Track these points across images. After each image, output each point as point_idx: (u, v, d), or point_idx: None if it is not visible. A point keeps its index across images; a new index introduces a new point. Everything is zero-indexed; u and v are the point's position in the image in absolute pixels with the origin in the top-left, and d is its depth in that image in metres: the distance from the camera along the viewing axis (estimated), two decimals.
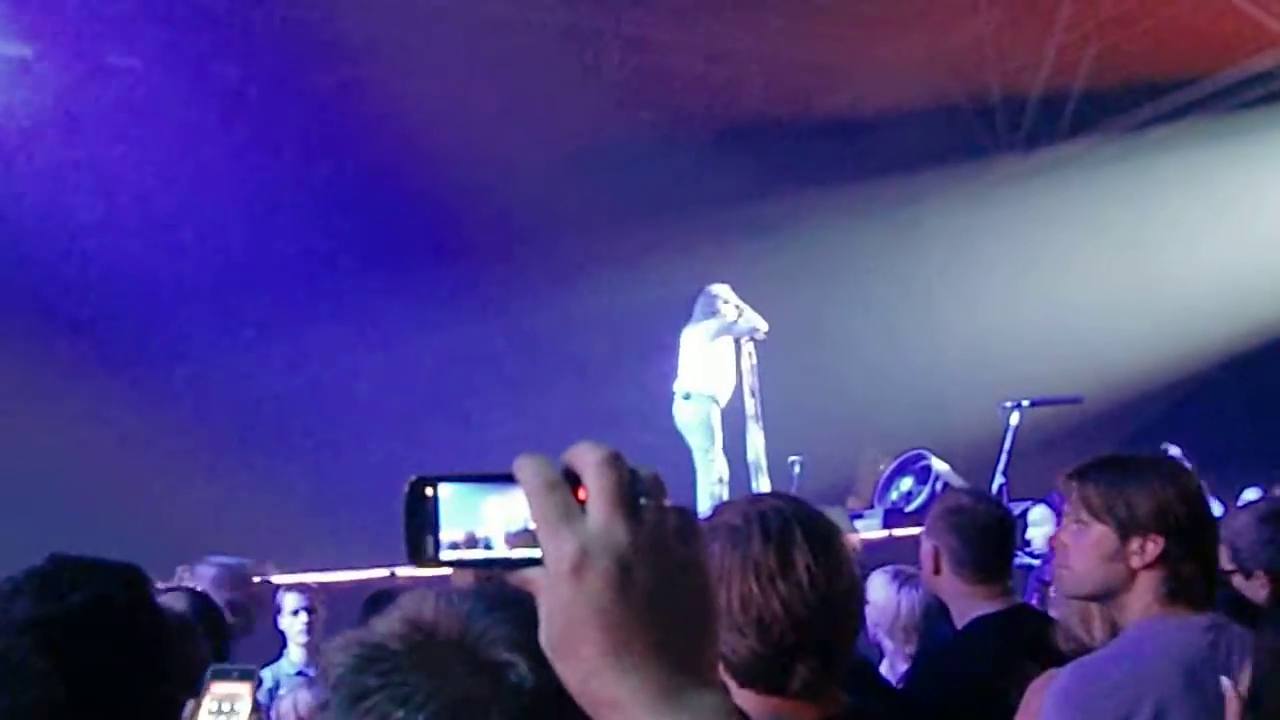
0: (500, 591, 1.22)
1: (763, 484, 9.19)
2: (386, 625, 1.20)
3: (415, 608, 1.21)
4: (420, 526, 0.99)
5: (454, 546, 0.98)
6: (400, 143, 10.46)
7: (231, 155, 10.41)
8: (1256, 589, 3.55)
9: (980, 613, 3.73)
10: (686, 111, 11.63)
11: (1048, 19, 11.94)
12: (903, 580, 4.39)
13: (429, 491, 0.99)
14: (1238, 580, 3.58)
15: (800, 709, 1.97)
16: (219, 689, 1.74)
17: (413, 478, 0.99)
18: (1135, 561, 2.65)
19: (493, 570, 0.99)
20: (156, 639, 1.68)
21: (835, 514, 7.06)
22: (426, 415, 10.24)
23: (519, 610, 1.16)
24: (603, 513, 0.92)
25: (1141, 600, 2.66)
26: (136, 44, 10.24)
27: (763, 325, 9.17)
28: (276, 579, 5.83)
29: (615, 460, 0.94)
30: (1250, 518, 3.67)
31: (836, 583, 1.95)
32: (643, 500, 0.94)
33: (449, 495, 0.99)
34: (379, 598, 3.96)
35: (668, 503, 0.96)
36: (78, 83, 10.09)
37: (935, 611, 4.17)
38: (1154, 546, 2.62)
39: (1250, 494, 7.05)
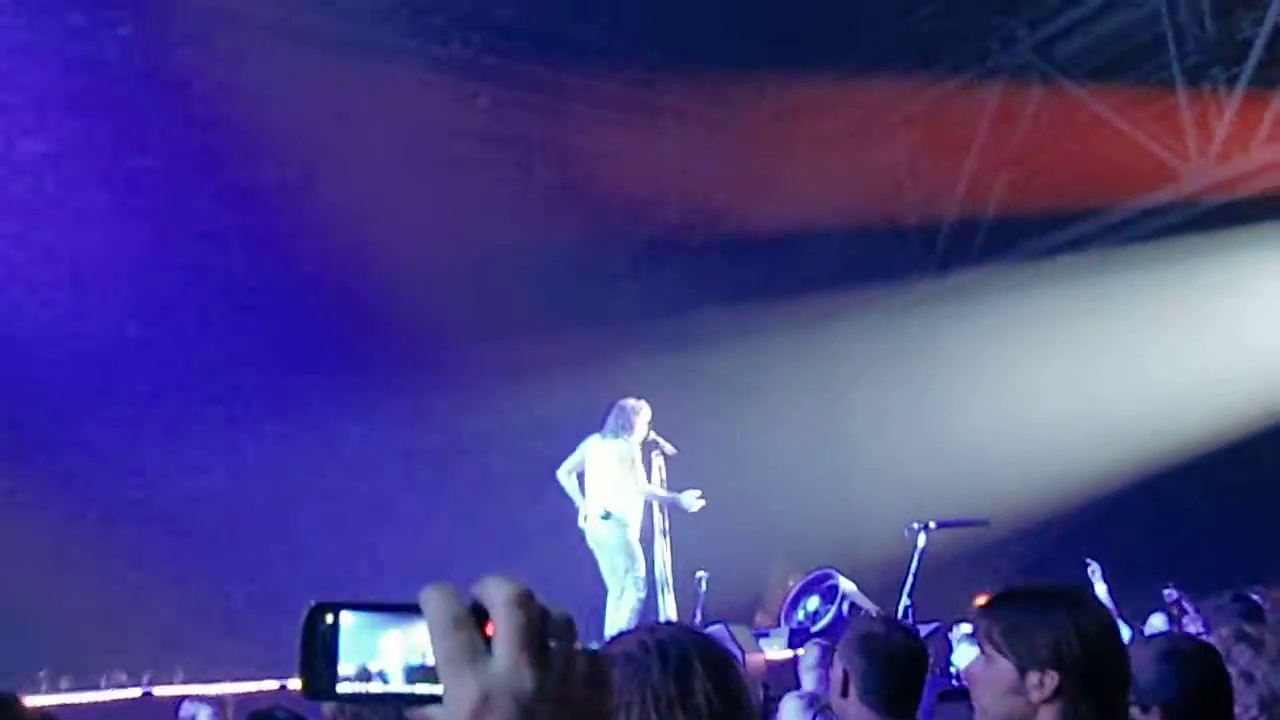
0: None
1: (668, 601, 9.04)
2: None
3: None
4: (317, 656, 0.93)
5: (351, 679, 0.93)
6: (321, 244, 10.48)
7: (143, 248, 10.28)
8: None
9: None
10: (608, 223, 11.69)
11: (962, 147, 12.27)
12: (818, 709, 4.31)
13: (329, 619, 0.94)
14: (1135, 713, 3.60)
15: None
16: None
17: (312, 604, 0.94)
18: (1035, 696, 2.60)
19: (390, 705, 0.92)
20: None
21: (740, 633, 7.03)
22: (333, 520, 10.02)
23: None
24: (509, 655, 0.89)
25: None
26: (47, 130, 10.08)
27: (669, 449, 9.08)
28: (182, 689, 5.64)
29: (526, 600, 0.90)
30: (1152, 653, 3.70)
31: (735, 711, 1.93)
32: (552, 643, 0.90)
33: (350, 624, 0.94)
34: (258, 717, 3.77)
35: (578, 646, 0.92)
36: None
37: None
38: (1050, 682, 2.58)
39: (1156, 621, 7.08)
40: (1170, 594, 7.57)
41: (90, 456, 10.09)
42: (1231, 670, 3.86)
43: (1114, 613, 6.39)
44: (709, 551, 9.40)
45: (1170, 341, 11.22)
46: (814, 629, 8.57)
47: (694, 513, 8.87)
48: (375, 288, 10.52)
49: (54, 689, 7.04)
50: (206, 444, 10.37)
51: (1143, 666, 3.58)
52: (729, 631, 6.81)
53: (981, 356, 11.72)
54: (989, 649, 2.68)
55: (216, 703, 5.63)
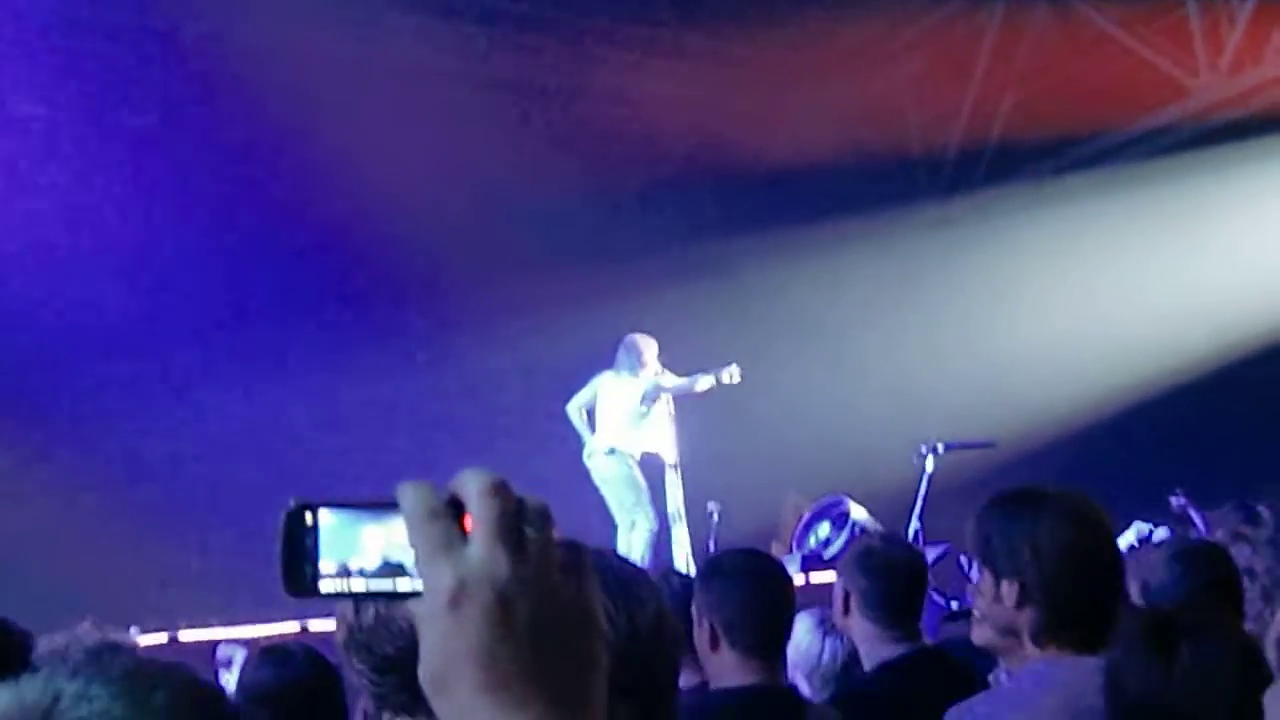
0: (115, 662, 1.14)
1: (681, 533, 9.11)
2: None
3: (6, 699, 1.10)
4: (297, 554, 0.94)
5: (332, 576, 0.94)
6: (322, 190, 10.42)
7: (140, 204, 10.29)
8: None
9: (886, 655, 3.75)
10: (612, 160, 11.64)
11: (966, 70, 12.14)
12: (828, 628, 4.33)
13: (308, 518, 0.95)
14: None
15: None
16: None
17: (291, 503, 0.95)
18: (1009, 602, 2.61)
19: (371, 601, 0.96)
20: None
21: None
22: (341, 463, 10.07)
23: (123, 685, 1.09)
24: (485, 544, 0.89)
25: (1029, 643, 2.63)
26: (40, 91, 10.05)
27: (703, 386, 9.07)
28: (218, 634, 5.73)
29: (501, 489, 0.90)
30: (1162, 555, 3.75)
31: (639, 621, 1.87)
32: (529, 532, 0.90)
33: (329, 522, 0.94)
34: (272, 651, 3.81)
35: (555, 536, 0.92)
36: None
37: (855, 661, 4.13)
38: (1012, 590, 2.58)
39: (1130, 535, 6.95)
40: (1178, 501, 7.56)
41: (101, 412, 10.15)
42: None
43: (1202, 532, 6.36)
44: (720, 482, 9.45)
45: (1180, 260, 11.15)
46: (825, 555, 8.63)
47: (703, 439, 8.91)
48: (377, 232, 10.49)
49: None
50: (216, 393, 10.42)
51: (1154, 568, 3.63)
52: None
53: (990, 280, 11.67)
54: (975, 559, 2.72)
55: (247, 645, 5.73)
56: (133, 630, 7.84)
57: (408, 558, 0.92)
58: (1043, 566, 2.56)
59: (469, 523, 0.90)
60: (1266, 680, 2.03)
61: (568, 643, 0.90)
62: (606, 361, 9.31)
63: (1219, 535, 4.43)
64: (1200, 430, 10.46)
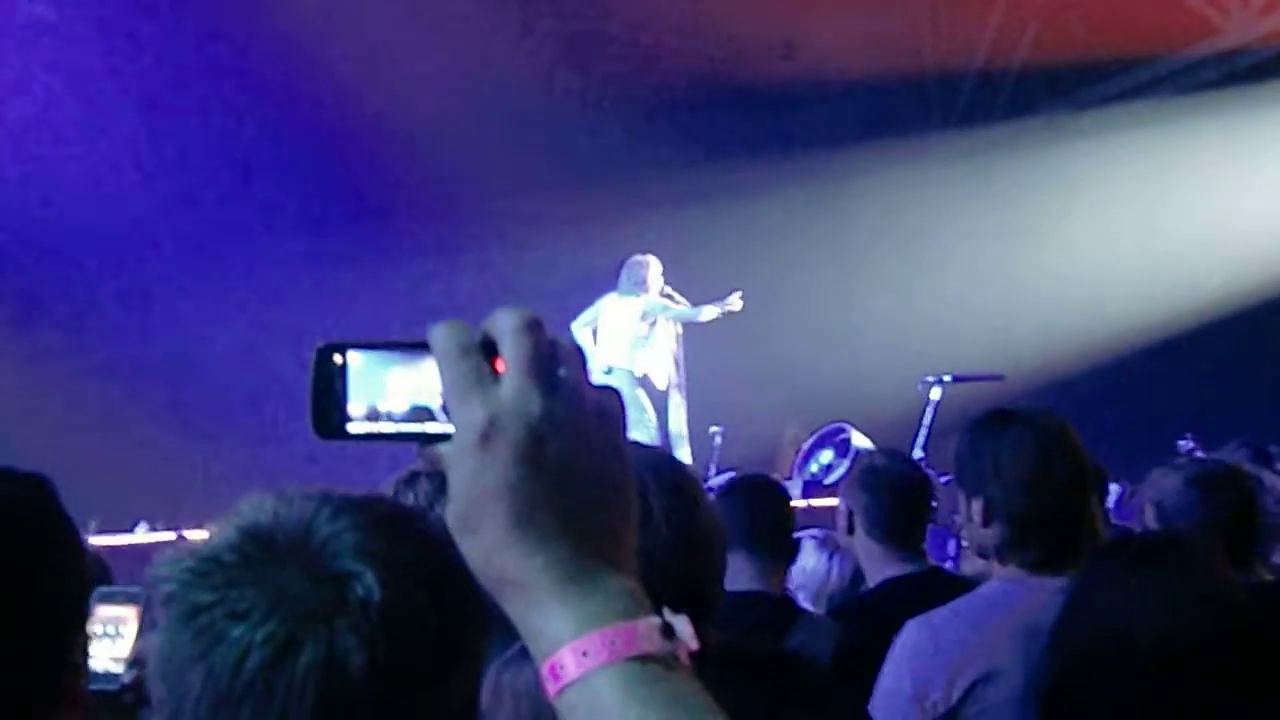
0: (347, 495, 1.14)
1: (684, 454, 9.07)
2: (221, 534, 1.11)
3: (252, 515, 1.12)
4: (326, 396, 0.93)
5: (362, 418, 0.93)
6: (326, 103, 10.39)
7: (151, 113, 10.32)
8: None
9: (890, 574, 3.69)
10: (619, 80, 11.50)
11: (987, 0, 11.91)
12: (833, 549, 4.31)
13: (337, 359, 0.93)
14: None
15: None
16: (105, 612, 1.71)
17: (320, 344, 0.93)
18: (977, 520, 2.64)
19: (402, 443, 0.93)
20: (66, 553, 1.54)
21: None
22: None
23: (368, 515, 1.09)
24: (517, 381, 0.87)
25: (999, 561, 2.67)
26: None
27: (707, 316, 9.03)
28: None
29: (535, 326, 0.89)
30: (1178, 479, 3.64)
31: (694, 524, 1.90)
32: (562, 372, 0.88)
33: (359, 364, 0.93)
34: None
35: (590, 378, 0.90)
36: None
37: (862, 579, 4.09)
38: (982, 506, 2.62)
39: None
40: (1185, 444, 7.50)
41: (103, 317, 10.21)
42: None
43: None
44: (723, 407, 9.43)
45: (1200, 200, 11.02)
46: (827, 481, 8.61)
47: (707, 364, 8.86)
48: (377, 151, 10.49)
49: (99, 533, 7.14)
50: (221, 303, 10.47)
51: (1168, 491, 3.55)
52: None
53: (1002, 213, 11.50)
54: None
55: None
56: (142, 526, 7.89)
57: (435, 402, 0.90)
58: (1003, 483, 2.61)
59: (500, 363, 0.88)
60: (1244, 623, 1.90)
61: (598, 484, 0.89)
62: (613, 283, 9.28)
63: None
64: (1212, 372, 10.38)
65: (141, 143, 10.35)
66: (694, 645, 0.88)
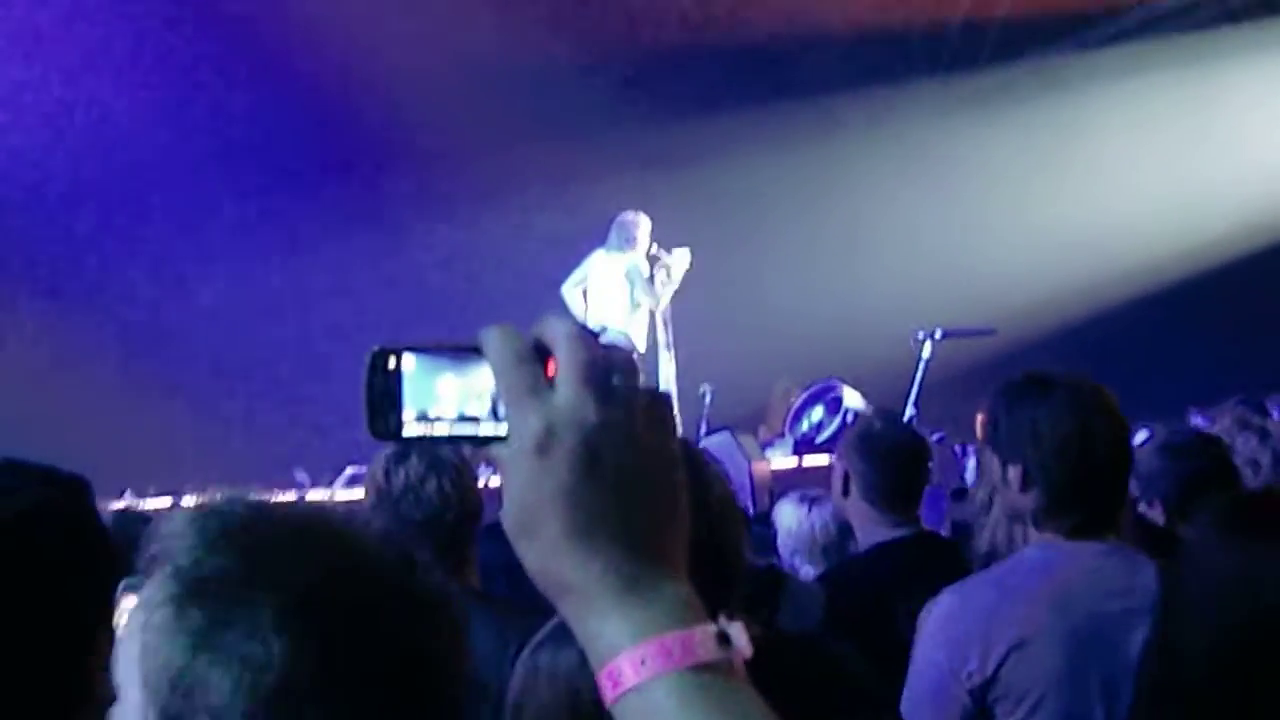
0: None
1: None
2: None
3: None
4: (381, 399, 0.95)
5: (415, 420, 0.95)
6: (310, 60, 10.33)
7: (129, 69, 10.25)
8: (1156, 517, 3.68)
9: (883, 538, 3.71)
10: (606, 34, 11.40)
11: None
12: (810, 501, 4.32)
13: (391, 363, 0.95)
14: (1142, 508, 3.68)
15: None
16: (129, 603, 1.60)
17: (375, 348, 0.96)
18: (1015, 486, 2.64)
19: (456, 445, 0.95)
20: (98, 557, 1.56)
21: (746, 440, 7.00)
22: (322, 339, 10.05)
23: None
24: (572, 389, 0.89)
25: (1031, 527, 2.67)
26: None
27: (679, 263, 8.98)
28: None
29: (588, 334, 0.92)
30: (1150, 447, 3.80)
31: (709, 501, 1.89)
32: (615, 380, 0.90)
33: (412, 367, 0.95)
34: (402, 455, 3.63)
35: (642, 385, 0.92)
36: None
37: (849, 533, 4.11)
38: (1016, 475, 2.62)
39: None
40: (1196, 419, 7.44)
41: (111, 279, 10.35)
42: (1236, 461, 3.84)
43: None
44: (713, 364, 9.41)
45: (1192, 146, 10.97)
46: (818, 439, 8.59)
47: (696, 321, 8.85)
48: (364, 106, 10.45)
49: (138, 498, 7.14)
50: (223, 264, 10.52)
51: (1140, 459, 3.58)
52: (735, 439, 6.76)
53: (989, 164, 11.43)
54: (983, 442, 2.77)
55: None
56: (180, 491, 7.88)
57: (486, 404, 0.93)
58: (1041, 449, 2.61)
59: (552, 369, 0.90)
60: None
61: (652, 491, 0.91)
62: (594, 240, 9.25)
63: (1225, 423, 4.33)
64: (1205, 323, 10.36)
65: (122, 102, 10.26)
66: (749, 653, 0.90)
